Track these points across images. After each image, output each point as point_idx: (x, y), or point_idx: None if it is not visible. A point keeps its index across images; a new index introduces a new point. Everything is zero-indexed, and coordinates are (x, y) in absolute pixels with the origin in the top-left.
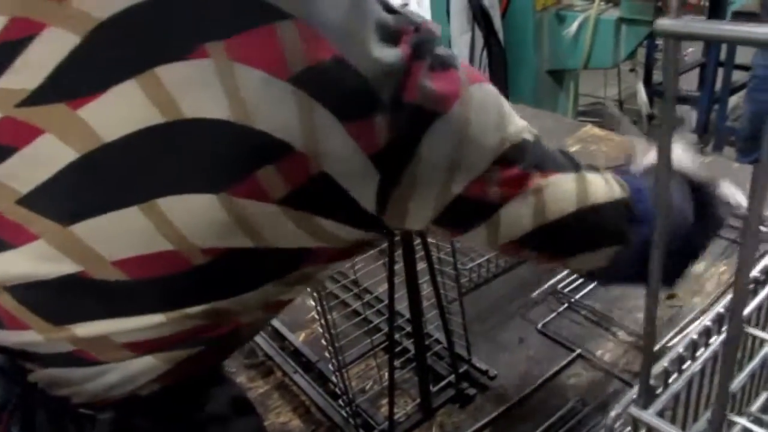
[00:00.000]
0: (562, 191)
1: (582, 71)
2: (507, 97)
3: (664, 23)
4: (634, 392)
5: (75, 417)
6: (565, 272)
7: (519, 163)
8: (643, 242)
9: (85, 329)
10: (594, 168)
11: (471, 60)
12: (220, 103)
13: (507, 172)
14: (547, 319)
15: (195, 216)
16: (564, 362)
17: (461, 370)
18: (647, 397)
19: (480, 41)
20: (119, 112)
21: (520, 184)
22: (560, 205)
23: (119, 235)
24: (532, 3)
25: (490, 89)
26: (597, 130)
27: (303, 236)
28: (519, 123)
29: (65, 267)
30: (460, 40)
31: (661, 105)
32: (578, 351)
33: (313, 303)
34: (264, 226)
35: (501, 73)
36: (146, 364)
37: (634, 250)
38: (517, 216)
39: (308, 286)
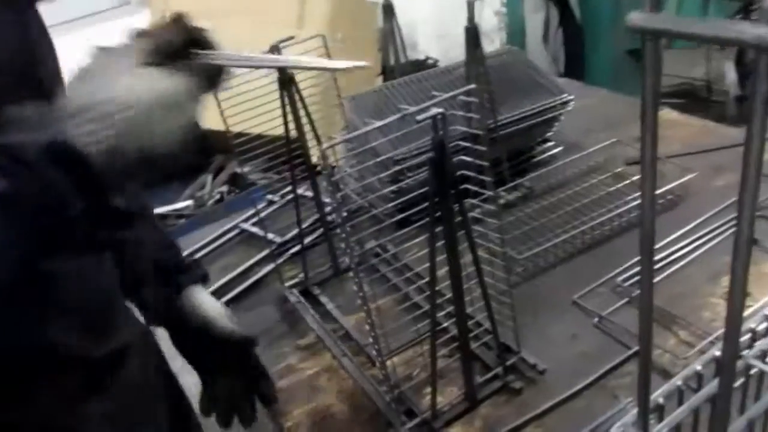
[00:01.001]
0: None
1: (668, 51)
2: (582, 77)
3: (637, 18)
4: (634, 413)
5: None
6: (628, 264)
7: None
8: None
9: None
10: None
11: (545, 39)
12: None
13: None
14: (604, 313)
15: None
16: (618, 360)
17: (509, 363)
18: (646, 418)
19: (555, 19)
20: None
21: None
22: None
23: None
24: None
25: None
26: (674, 114)
27: None
28: None
29: None
30: (533, 19)
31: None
32: (635, 349)
33: (358, 289)
34: None
35: (577, 54)
36: None
37: None
38: None
39: None
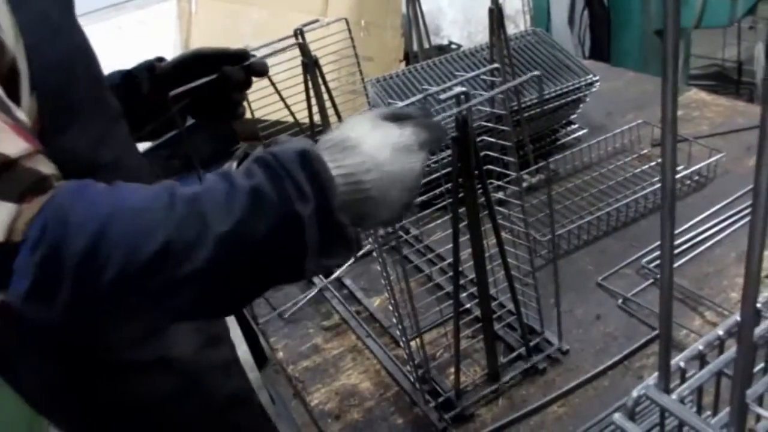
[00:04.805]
0: None
1: (697, 31)
2: (608, 60)
3: None
4: (655, 375)
5: None
6: (653, 246)
7: None
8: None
9: None
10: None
11: (570, 21)
12: None
13: None
14: (629, 294)
15: None
16: (643, 341)
17: (533, 343)
18: (667, 379)
19: (581, 1)
20: None
21: None
22: None
23: None
24: None
25: None
26: (703, 95)
27: None
28: None
29: None
30: (558, 1)
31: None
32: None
33: (381, 270)
34: None
35: (603, 35)
36: None
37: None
38: None
39: None
